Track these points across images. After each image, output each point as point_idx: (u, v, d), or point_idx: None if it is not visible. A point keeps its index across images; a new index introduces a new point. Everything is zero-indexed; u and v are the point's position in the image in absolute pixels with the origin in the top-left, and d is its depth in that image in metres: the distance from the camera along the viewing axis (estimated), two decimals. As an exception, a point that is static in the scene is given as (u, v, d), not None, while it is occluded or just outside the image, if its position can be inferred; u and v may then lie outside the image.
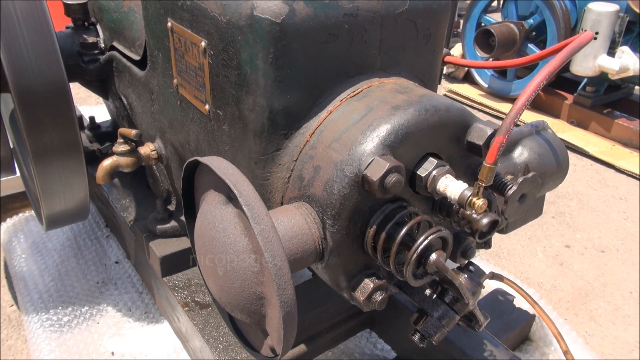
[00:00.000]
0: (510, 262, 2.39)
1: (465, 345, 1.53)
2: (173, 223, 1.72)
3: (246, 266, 0.87)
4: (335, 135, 1.03)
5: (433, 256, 0.97)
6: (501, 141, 0.97)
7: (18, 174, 2.03)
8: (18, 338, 1.83)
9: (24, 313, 1.88)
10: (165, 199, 1.73)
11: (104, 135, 2.22)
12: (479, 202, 0.95)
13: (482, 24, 3.96)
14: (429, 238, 0.96)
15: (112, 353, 1.75)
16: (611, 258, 2.45)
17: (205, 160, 0.91)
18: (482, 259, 2.34)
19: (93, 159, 2.02)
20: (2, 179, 2.11)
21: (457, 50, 4.48)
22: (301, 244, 0.96)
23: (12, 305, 1.96)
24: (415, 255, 0.95)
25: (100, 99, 2.21)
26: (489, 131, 1.06)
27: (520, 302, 1.86)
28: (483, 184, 0.98)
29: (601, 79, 3.59)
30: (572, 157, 3.40)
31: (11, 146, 1.93)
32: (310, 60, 1.04)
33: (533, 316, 1.87)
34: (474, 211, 1.02)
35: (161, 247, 1.69)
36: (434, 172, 1.01)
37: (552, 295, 2.19)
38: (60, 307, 1.89)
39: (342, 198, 0.96)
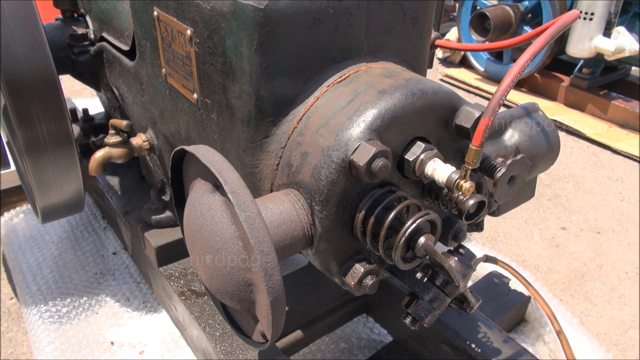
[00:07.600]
0: (506, 245, 2.40)
1: (460, 328, 1.54)
2: (168, 213, 1.73)
3: (234, 253, 0.88)
4: (323, 121, 1.03)
5: (422, 239, 0.97)
6: (487, 123, 0.96)
7: (14, 167, 2.03)
8: (18, 330, 1.85)
9: (23, 305, 1.89)
10: (160, 189, 1.73)
11: (98, 127, 2.21)
12: (466, 184, 0.95)
13: (478, 7, 3.93)
14: (418, 221, 0.96)
15: (112, 343, 1.77)
16: (607, 239, 2.45)
17: (191, 148, 0.91)
18: (477, 242, 2.35)
19: (87, 151, 2.03)
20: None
21: (453, 34, 4.45)
22: (290, 230, 0.96)
23: (12, 298, 1.97)
24: (403, 239, 0.95)
25: (95, 92, 2.21)
26: (477, 114, 1.05)
27: (515, 284, 1.88)
28: (470, 167, 0.98)
29: (597, 61, 3.57)
30: (569, 139, 3.40)
31: (5, 140, 1.93)
32: (295, 46, 1.04)
33: (528, 298, 1.88)
34: (461, 194, 1.02)
35: (156, 238, 1.70)
36: (422, 156, 1.01)
37: (548, 277, 2.20)
38: (59, 299, 1.90)
39: (329, 184, 0.96)
